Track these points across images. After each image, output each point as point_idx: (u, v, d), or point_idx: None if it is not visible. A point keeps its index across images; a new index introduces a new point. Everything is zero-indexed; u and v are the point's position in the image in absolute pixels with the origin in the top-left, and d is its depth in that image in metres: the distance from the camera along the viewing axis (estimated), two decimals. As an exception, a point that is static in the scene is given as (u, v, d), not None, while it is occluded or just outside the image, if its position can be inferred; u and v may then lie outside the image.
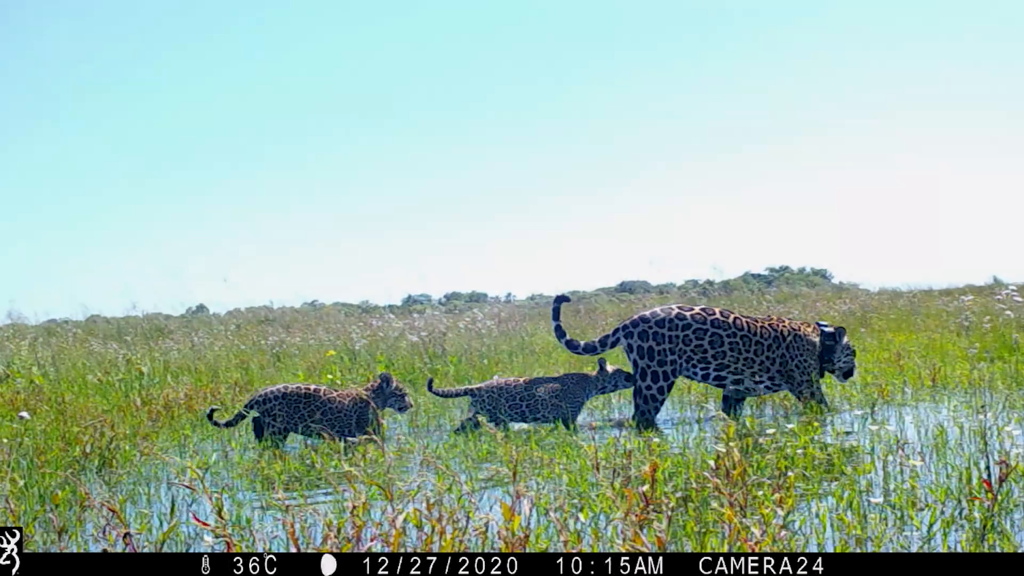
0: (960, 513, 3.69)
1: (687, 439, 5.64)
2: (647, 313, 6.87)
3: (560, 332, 7.18)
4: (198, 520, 2.97)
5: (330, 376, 9.13)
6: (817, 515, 3.71)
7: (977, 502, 3.43)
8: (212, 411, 6.50)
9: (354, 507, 2.97)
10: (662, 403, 6.79)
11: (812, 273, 30.98)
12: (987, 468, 3.97)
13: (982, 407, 5.83)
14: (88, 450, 5.60)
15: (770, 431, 5.01)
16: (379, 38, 37.09)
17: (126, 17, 33.98)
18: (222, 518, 2.95)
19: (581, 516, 3.56)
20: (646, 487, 2.93)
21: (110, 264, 29.79)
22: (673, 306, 6.94)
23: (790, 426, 5.61)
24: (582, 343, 7.11)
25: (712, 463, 3.19)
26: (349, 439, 6.16)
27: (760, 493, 3.69)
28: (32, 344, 13.28)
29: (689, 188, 37.86)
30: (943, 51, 34.75)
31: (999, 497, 3.46)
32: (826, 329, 7.01)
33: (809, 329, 7.01)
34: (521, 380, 6.96)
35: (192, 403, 7.73)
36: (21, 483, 4.85)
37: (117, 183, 36.05)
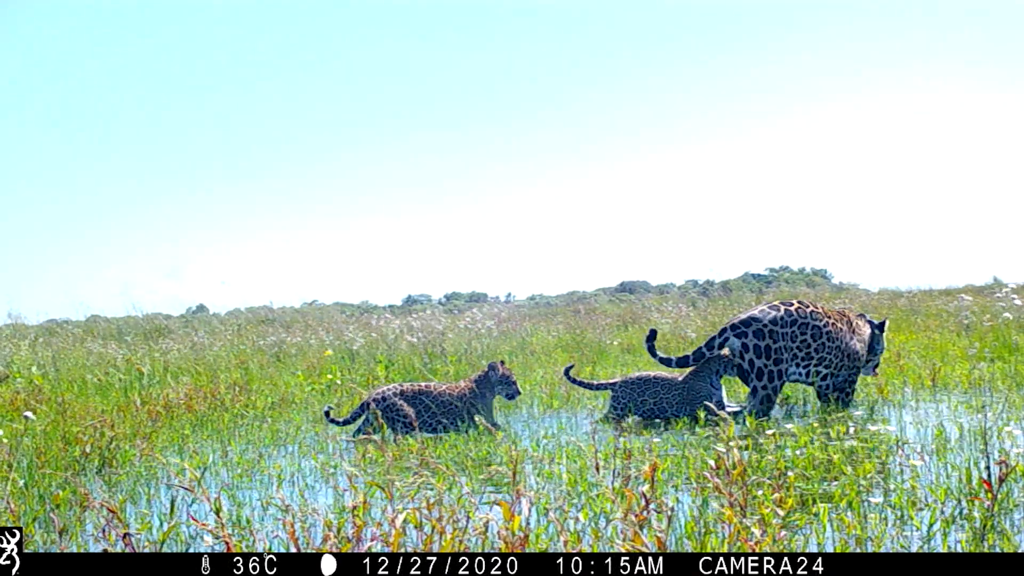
0: (960, 513, 3.69)
1: (687, 439, 5.64)
2: (757, 312, 6.78)
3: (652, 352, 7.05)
4: (196, 521, 2.96)
5: (329, 376, 9.13)
6: (817, 515, 3.71)
7: (977, 502, 3.43)
8: (328, 410, 6.69)
9: (354, 507, 2.97)
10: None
11: (812, 273, 30.99)
12: (987, 468, 3.97)
13: (982, 407, 5.83)
14: (88, 450, 5.60)
15: (770, 431, 5.01)
16: (378, 38, 37.09)
17: (125, 17, 33.98)
18: (220, 518, 2.94)
19: (581, 516, 3.56)
20: (646, 487, 2.92)
21: (110, 264, 29.78)
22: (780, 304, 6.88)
23: (790, 426, 5.61)
24: (690, 355, 6.93)
25: (712, 463, 3.18)
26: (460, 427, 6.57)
27: (760, 493, 3.69)
28: (32, 344, 13.29)
29: (689, 187, 37.87)
30: (943, 51, 34.75)
31: (999, 497, 3.46)
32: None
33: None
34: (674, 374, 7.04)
35: (192, 403, 7.73)
36: (21, 483, 4.85)
37: (117, 183, 36.05)
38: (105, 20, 33.63)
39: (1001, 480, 3.34)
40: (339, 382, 8.75)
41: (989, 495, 3.32)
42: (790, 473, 4.01)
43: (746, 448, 4.95)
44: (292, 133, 37.92)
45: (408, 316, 16.06)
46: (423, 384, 6.80)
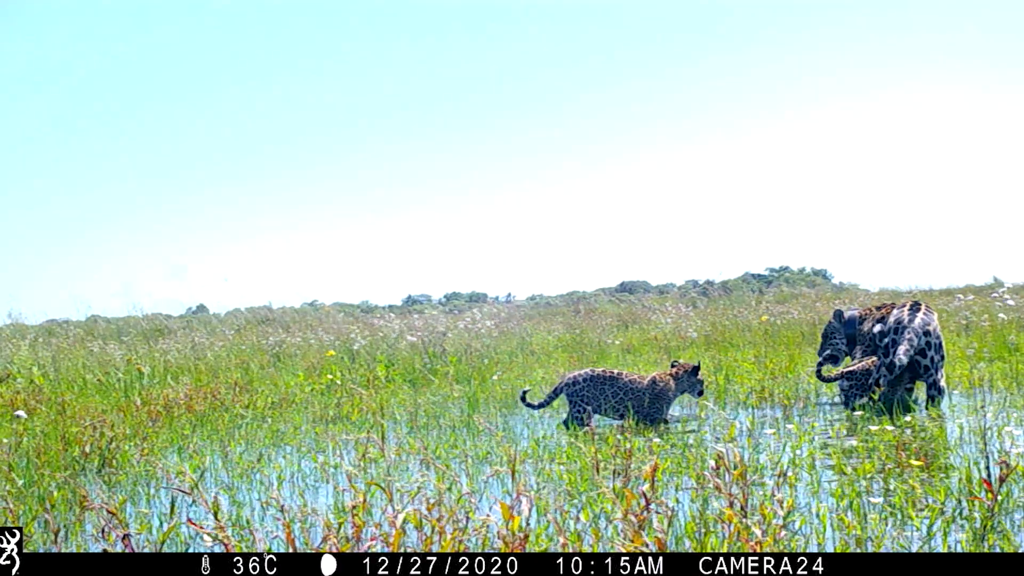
0: (960, 513, 3.69)
1: (687, 439, 5.64)
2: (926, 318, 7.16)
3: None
4: (193, 523, 2.96)
5: (329, 376, 9.13)
6: (817, 515, 3.70)
7: (977, 502, 3.43)
8: (525, 392, 7.04)
9: (354, 507, 2.96)
10: None
11: (812, 273, 30.99)
12: (987, 468, 3.97)
13: (982, 407, 5.83)
14: (88, 450, 5.60)
15: (771, 431, 5.01)
16: (378, 38, 37.07)
17: (125, 17, 33.97)
18: (218, 520, 2.94)
19: (581, 516, 3.56)
20: (646, 487, 2.92)
21: (110, 264, 29.79)
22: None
23: (790, 426, 5.61)
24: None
25: (712, 463, 3.18)
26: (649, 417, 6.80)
27: (760, 493, 3.69)
28: (32, 344, 13.28)
29: (689, 187, 37.85)
30: (943, 51, 34.73)
31: (999, 497, 3.46)
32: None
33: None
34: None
35: (192, 403, 7.72)
36: (20, 483, 4.85)
37: (118, 183, 36.05)
38: (105, 20, 33.64)
39: (1001, 480, 3.34)
40: (339, 382, 8.74)
41: (989, 495, 3.32)
42: (790, 473, 4.00)
43: (746, 448, 4.95)
44: (292, 133, 37.93)
45: (410, 316, 16.06)
46: (613, 371, 7.02)
